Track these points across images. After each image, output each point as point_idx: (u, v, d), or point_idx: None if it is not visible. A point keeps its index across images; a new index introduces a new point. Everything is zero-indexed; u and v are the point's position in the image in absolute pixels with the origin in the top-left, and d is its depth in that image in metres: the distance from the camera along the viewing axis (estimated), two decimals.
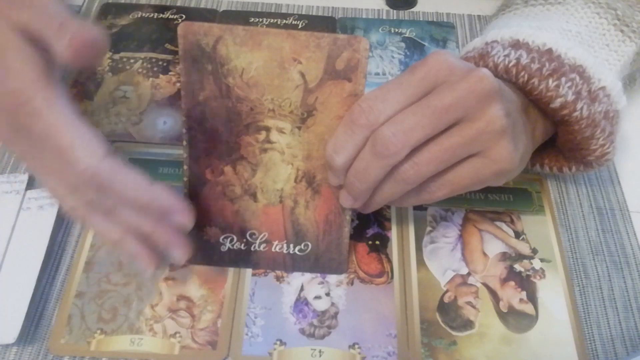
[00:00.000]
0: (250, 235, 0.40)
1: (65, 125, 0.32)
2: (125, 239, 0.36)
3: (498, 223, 0.45)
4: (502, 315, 0.40)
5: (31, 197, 0.43)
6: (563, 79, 0.37)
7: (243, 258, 0.41)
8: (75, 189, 0.33)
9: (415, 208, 0.45)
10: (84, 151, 0.32)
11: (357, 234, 0.43)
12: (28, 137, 0.33)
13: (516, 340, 0.39)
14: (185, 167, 0.38)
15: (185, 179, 0.38)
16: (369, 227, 0.44)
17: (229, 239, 0.40)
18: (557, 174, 0.45)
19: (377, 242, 0.43)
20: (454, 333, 0.39)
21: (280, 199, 0.39)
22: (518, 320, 0.40)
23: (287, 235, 0.40)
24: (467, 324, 0.40)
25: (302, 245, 0.40)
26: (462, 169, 0.35)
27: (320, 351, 0.38)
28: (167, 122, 0.50)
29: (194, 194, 0.38)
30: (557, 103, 0.38)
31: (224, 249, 0.41)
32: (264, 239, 0.40)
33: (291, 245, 0.40)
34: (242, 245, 0.40)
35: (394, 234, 0.44)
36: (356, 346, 0.38)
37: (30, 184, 0.45)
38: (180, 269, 0.41)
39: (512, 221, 0.45)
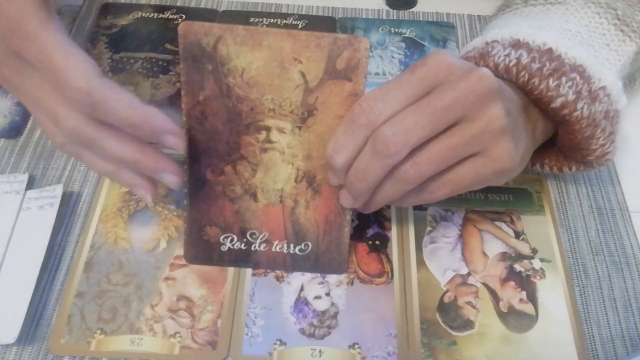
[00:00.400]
0: (251, 235, 0.40)
1: (59, 47, 0.32)
2: (120, 170, 0.36)
3: (498, 223, 0.45)
4: (502, 315, 0.40)
5: (31, 197, 0.43)
6: (563, 79, 0.37)
7: (243, 258, 0.41)
8: None
9: (415, 208, 0.45)
10: (78, 70, 0.32)
11: (357, 234, 0.43)
12: (22, 62, 0.33)
13: (516, 340, 0.39)
14: (185, 167, 0.38)
15: (185, 179, 0.38)
16: (369, 227, 0.44)
17: (229, 239, 0.40)
18: (557, 173, 0.45)
19: (377, 242, 0.43)
20: (454, 333, 0.39)
21: (281, 199, 0.39)
22: (518, 320, 0.40)
23: (287, 235, 0.40)
24: (467, 324, 0.40)
25: (302, 245, 0.40)
26: (463, 169, 0.35)
27: (320, 351, 0.38)
28: None
29: (194, 194, 0.38)
30: (557, 103, 0.38)
31: (224, 248, 0.41)
32: (264, 238, 0.40)
33: (291, 245, 0.40)
34: (242, 245, 0.40)
35: (394, 234, 0.44)
36: (356, 346, 0.38)
37: (30, 184, 0.45)
38: (180, 269, 0.41)
39: (512, 221, 0.45)
